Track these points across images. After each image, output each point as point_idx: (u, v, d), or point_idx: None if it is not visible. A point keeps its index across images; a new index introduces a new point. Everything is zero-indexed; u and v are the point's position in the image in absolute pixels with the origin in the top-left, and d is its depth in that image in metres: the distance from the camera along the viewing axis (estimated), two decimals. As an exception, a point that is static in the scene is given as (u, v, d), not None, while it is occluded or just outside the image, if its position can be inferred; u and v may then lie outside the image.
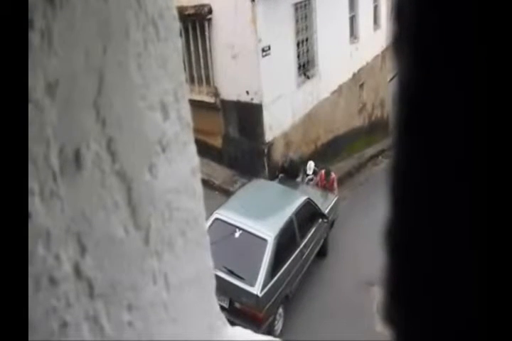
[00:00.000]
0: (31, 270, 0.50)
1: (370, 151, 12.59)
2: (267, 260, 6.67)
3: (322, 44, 11.18)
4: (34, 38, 0.48)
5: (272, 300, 6.70)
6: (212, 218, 6.97)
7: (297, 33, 10.65)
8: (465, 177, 0.24)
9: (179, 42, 0.71)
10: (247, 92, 10.06)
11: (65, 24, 0.52)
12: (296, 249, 7.41)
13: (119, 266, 0.62)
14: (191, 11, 9.90)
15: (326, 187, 9.37)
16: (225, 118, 10.72)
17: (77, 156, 0.54)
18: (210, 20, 10.08)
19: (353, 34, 12.91)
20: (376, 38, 13.62)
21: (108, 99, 0.58)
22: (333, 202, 8.93)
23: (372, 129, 13.47)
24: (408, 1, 0.24)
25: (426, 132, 0.25)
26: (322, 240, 8.40)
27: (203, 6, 9.94)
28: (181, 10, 8.97)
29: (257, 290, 6.50)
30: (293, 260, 7.28)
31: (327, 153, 11.58)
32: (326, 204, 8.65)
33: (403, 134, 0.26)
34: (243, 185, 8.87)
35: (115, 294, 0.62)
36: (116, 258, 0.62)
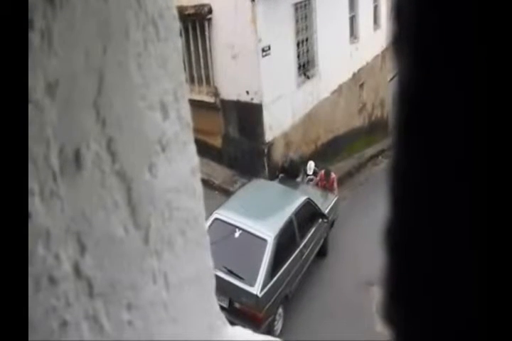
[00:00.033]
0: (31, 269, 0.50)
1: (370, 151, 12.59)
2: (267, 260, 6.67)
3: (322, 44, 11.18)
4: (34, 38, 0.48)
5: (272, 300, 6.69)
6: (212, 218, 6.97)
7: (297, 33, 10.65)
8: (465, 177, 0.24)
9: (179, 42, 0.71)
10: (247, 92, 10.05)
11: (65, 24, 0.52)
12: (295, 249, 7.41)
13: (118, 265, 0.62)
14: (191, 11, 9.90)
15: (325, 187, 9.37)
16: (224, 118, 10.72)
17: (77, 156, 0.54)
18: (210, 20, 10.08)
19: (353, 34, 12.91)
20: (376, 38, 13.61)
21: (108, 99, 0.58)
22: (333, 202, 8.92)
23: (372, 129, 13.47)
24: (408, 1, 0.24)
25: (426, 132, 0.25)
26: (322, 240, 8.40)
27: (202, 5, 9.94)
28: (181, 10, 8.97)
29: (256, 290, 6.49)
30: (293, 260, 7.27)
31: (327, 153, 11.58)
32: (326, 204, 8.65)
33: (403, 134, 0.26)
34: (243, 185, 8.87)
35: (115, 293, 0.62)
36: (115, 258, 0.62)
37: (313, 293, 7.68)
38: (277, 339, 1.02)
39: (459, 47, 0.23)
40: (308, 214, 7.85)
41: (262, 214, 7.25)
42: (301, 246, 7.55)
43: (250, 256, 6.74)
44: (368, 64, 13.59)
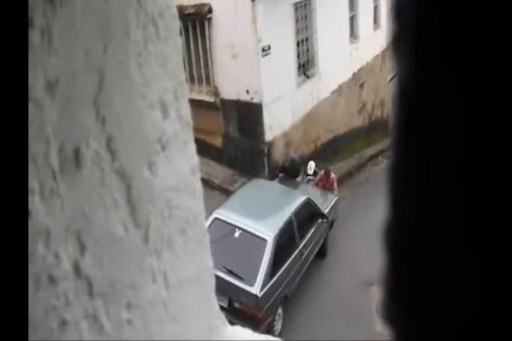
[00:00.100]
0: (31, 268, 0.50)
1: (370, 151, 12.59)
2: (267, 260, 6.67)
3: (322, 44, 11.18)
4: (34, 36, 0.48)
5: (271, 300, 6.69)
6: (211, 218, 6.96)
7: (297, 32, 10.65)
8: (465, 177, 0.24)
9: (179, 41, 0.71)
10: (247, 92, 10.05)
11: (65, 23, 0.52)
12: (295, 249, 7.41)
13: (118, 264, 0.62)
14: (191, 10, 9.90)
15: (325, 187, 9.37)
16: (224, 117, 10.72)
17: (77, 155, 0.54)
18: (210, 19, 10.08)
19: (353, 34, 12.91)
20: (376, 38, 13.61)
21: (108, 97, 0.58)
22: (333, 202, 8.92)
23: (372, 129, 13.46)
24: (408, 1, 0.24)
25: (426, 132, 0.25)
26: (322, 240, 8.40)
27: (203, 5, 9.94)
28: (181, 9, 8.97)
29: (256, 290, 6.49)
30: (292, 260, 7.27)
31: (327, 152, 11.58)
32: (325, 204, 8.64)
33: (403, 134, 0.26)
34: (243, 184, 8.87)
35: (114, 292, 0.62)
36: (115, 257, 0.62)
37: (312, 293, 7.68)
38: (277, 339, 1.02)
39: (458, 47, 0.23)
40: (308, 214, 7.85)
41: (261, 213, 7.25)
42: (301, 246, 7.55)
43: (250, 255, 6.74)
44: (368, 64, 13.59)
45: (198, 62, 10.56)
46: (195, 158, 0.76)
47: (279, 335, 6.80)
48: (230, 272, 6.49)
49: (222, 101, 10.56)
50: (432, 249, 0.25)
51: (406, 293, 0.27)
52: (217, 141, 10.80)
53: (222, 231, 6.80)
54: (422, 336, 0.27)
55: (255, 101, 10.03)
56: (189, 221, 0.76)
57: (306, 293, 7.65)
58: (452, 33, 0.23)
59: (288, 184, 8.80)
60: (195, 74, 10.67)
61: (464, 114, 0.23)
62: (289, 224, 7.29)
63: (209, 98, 10.56)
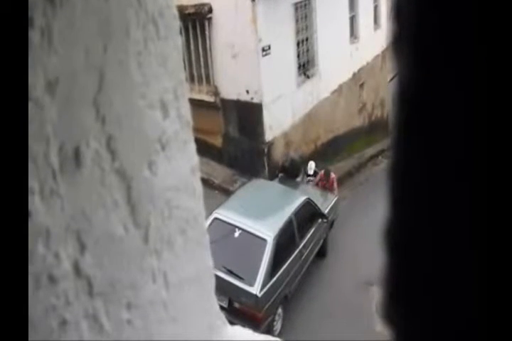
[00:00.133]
0: (31, 268, 0.50)
1: (370, 151, 12.59)
2: (267, 260, 6.66)
3: (322, 44, 11.18)
4: (34, 36, 0.48)
5: (271, 300, 6.69)
6: (211, 218, 6.96)
7: (297, 32, 10.65)
8: (465, 177, 0.24)
9: (179, 41, 0.71)
10: (247, 91, 10.05)
11: (65, 22, 0.52)
12: (295, 249, 7.41)
13: (118, 264, 0.62)
14: (191, 10, 9.90)
15: (325, 187, 9.37)
16: (224, 117, 10.72)
17: (77, 154, 0.54)
18: (210, 19, 10.08)
19: (353, 34, 12.91)
20: (376, 38, 13.61)
21: (108, 97, 0.58)
22: (333, 202, 8.92)
23: (372, 129, 13.46)
24: (408, 1, 0.24)
25: (426, 132, 0.25)
26: (321, 240, 8.40)
27: (203, 5, 9.94)
28: (181, 9, 8.97)
29: (256, 290, 6.49)
30: (292, 260, 7.27)
31: (327, 152, 11.57)
32: (325, 204, 8.64)
33: (403, 134, 0.26)
34: (243, 184, 8.86)
35: (114, 292, 0.62)
36: (115, 257, 0.62)
37: (312, 293, 7.68)
38: (277, 339, 1.02)
39: (458, 47, 0.23)
40: (308, 214, 7.85)
41: (261, 213, 7.25)
42: (301, 246, 7.55)
43: (250, 255, 6.74)
44: (368, 64, 13.59)
45: (198, 61, 10.56)
46: (195, 158, 0.76)
47: (279, 335, 6.79)
48: (230, 272, 6.49)
49: (222, 101, 10.56)
50: (432, 249, 0.25)
51: (406, 293, 0.27)
52: (217, 141, 10.80)
53: (222, 231, 6.79)
54: (422, 336, 0.27)
55: (255, 101, 10.03)
56: (189, 221, 0.76)
57: (306, 293, 7.65)
58: (452, 33, 0.23)
59: (288, 184, 8.80)
60: (195, 74, 10.67)
61: (464, 114, 0.23)
62: (289, 224, 7.28)
63: (209, 98, 10.56)
